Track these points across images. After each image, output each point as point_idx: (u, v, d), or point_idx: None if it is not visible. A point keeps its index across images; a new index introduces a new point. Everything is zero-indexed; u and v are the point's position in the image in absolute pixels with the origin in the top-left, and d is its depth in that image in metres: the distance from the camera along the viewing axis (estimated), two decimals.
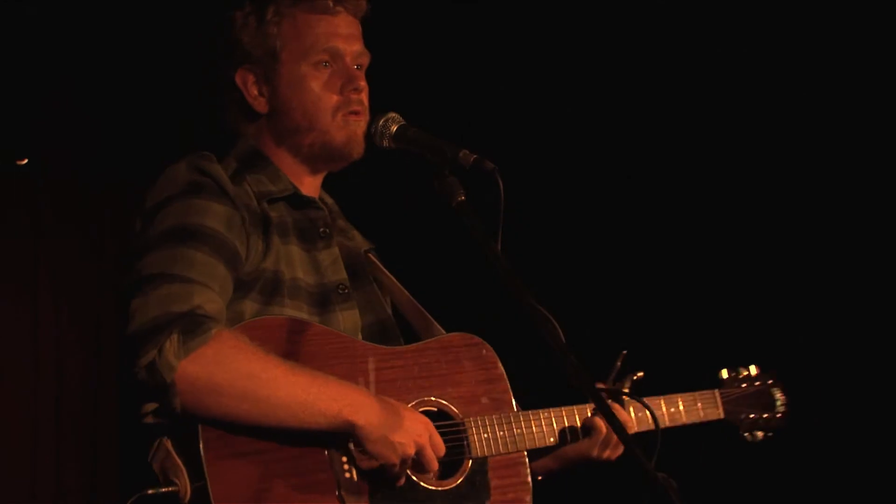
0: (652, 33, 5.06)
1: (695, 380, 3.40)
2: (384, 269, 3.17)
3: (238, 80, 3.01)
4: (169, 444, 2.63)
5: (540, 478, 3.13)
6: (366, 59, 3.07)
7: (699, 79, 5.02)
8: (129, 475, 2.77)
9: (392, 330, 3.07)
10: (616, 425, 2.64)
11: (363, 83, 3.01)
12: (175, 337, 2.57)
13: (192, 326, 2.59)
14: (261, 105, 3.01)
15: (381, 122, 2.89)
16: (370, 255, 3.16)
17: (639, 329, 4.92)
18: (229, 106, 3.06)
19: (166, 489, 2.61)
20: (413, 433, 2.73)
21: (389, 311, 3.12)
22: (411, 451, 2.72)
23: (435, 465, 2.78)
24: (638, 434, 3.13)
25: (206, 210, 2.78)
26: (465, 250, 2.73)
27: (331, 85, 2.98)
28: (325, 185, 3.15)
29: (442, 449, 2.79)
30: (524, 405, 3.05)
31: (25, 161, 4.49)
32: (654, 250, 5.09)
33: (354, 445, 2.72)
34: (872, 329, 4.74)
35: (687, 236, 5.01)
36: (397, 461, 2.72)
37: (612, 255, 5.13)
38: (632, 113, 5.11)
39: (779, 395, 3.47)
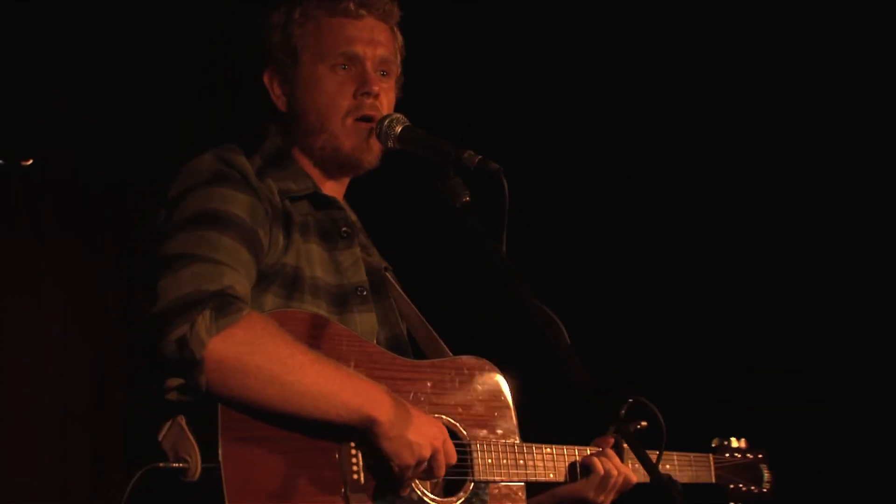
0: (652, 33, 5.06)
1: (685, 438, 3.40)
2: (399, 289, 3.17)
3: (266, 79, 3.04)
4: (183, 422, 2.60)
5: None
6: (392, 66, 3.05)
7: (699, 79, 5.02)
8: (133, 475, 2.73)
9: (405, 347, 3.07)
10: (623, 430, 2.65)
11: (377, 88, 2.98)
12: (207, 314, 2.55)
13: (225, 305, 2.58)
14: (282, 104, 3.03)
15: (385, 123, 2.90)
16: (387, 273, 3.16)
17: (643, 334, 4.95)
18: (256, 105, 3.07)
19: (177, 465, 2.59)
20: (430, 436, 2.73)
21: (403, 328, 3.11)
22: (427, 452, 2.72)
23: (443, 472, 2.78)
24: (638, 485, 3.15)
25: (230, 198, 2.78)
26: (470, 253, 2.74)
27: (345, 88, 2.98)
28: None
29: (454, 457, 2.79)
30: (529, 438, 3.06)
31: (30, 162, 4.48)
32: (661, 249, 5.11)
33: (369, 444, 2.71)
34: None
35: (702, 240, 5.04)
36: (412, 462, 2.71)
37: (618, 256, 5.15)
38: (635, 112, 5.11)
39: (766, 472, 3.60)
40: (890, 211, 4.81)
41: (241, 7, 5.09)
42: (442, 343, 3.11)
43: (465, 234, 2.65)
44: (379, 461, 2.73)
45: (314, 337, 2.75)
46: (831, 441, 4.73)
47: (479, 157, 2.71)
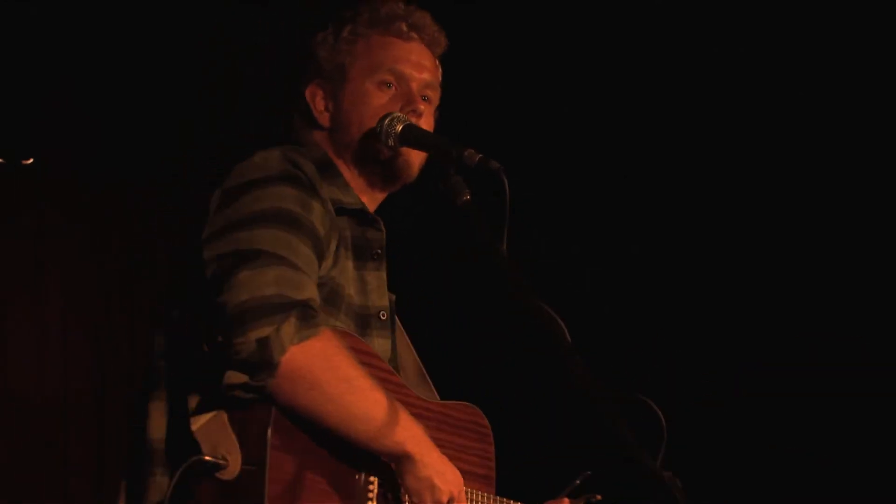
0: (650, 29, 5.06)
1: None
2: (397, 320, 3.13)
3: (308, 94, 3.01)
4: (225, 418, 2.59)
5: None
6: (434, 94, 3.04)
7: (699, 80, 5.01)
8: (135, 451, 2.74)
9: (423, 374, 3.10)
10: (621, 433, 2.64)
11: (422, 107, 2.97)
12: (293, 321, 2.55)
13: (307, 317, 2.58)
14: (325, 120, 3.00)
15: (386, 122, 2.89)
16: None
17: (646, 335, 4.93)
18: (294, 118, 3.05)
19: (217, 460, 2.58)
20: (453, 484, 2.76)
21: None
22: (445, 499, 2.74)
23: None
24: None
25: (305, 203, 2.75)
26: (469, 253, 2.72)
27: (391, 105, 2.95)
28: None
29: None
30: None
31: (31, 161, 4.49)
32: (665, 250, 5.08)
33: (392, 475, 2.73)
34: None
35: (708, 238, 5.00)
36: None
37: (621, 255, 5.13)
38: (636, 109, 5.10)
39: None
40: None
41: (241, 7, 5.13)
42: (430, 381, 3.11)
43: (465, 233, 2.63)
44: (395, 494, 2.75)
45: (364, 363, 2.72)
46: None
47: (480, 155, 2.70)
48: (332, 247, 2.82)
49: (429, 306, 3.24)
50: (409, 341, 3.15)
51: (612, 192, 5.17)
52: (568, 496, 3.18)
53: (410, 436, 2.70)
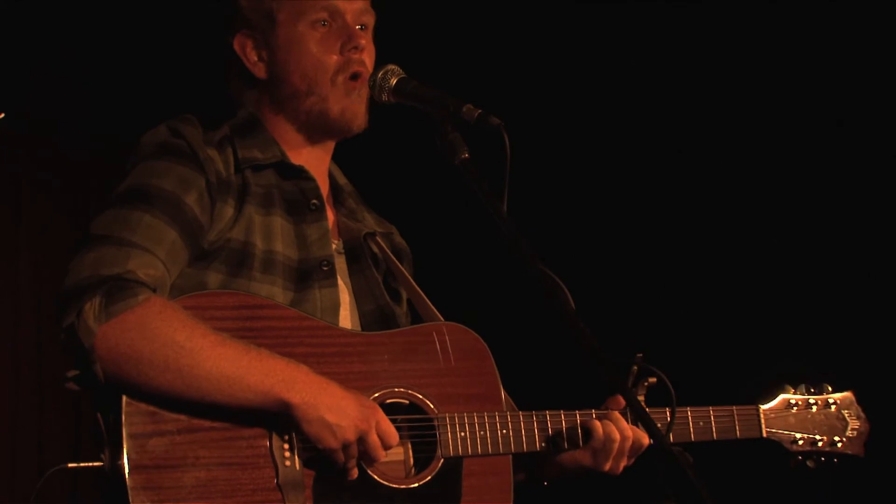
0: (647, 16, 5.00)
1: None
2: (390, 255, 3.02)
3: (236, 46, 2.90)
4: (99, 416, 2.52)
5: (546, 483, 2.98)
6: (370, 19, 2.92)
7: (696, 67, 4.95)
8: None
9: (392, 318, 2.95)
10: (630, 398, 2.56)
11: (364, 41, 2.86)
12: (97, 300, 2.48)
13: (118, 290, 2.49)
14: (260, 71, 2.89)
15: (380, 75, 2.79)
16: (378, 238, 3.02)
17: (652, 300, 4.85)
18: (230, 73, 2.94)
19: (87, 465, 2.53)
20: (354, 417, 2.58)
21: (389, 298, 2.97)
22: (352, 435, 2.58)
23: (381, 455, 2.63)
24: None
25: (166, 172, 2.69)
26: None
27: (329, 45, 2.85)
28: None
29: (394, 438, 2.64)
30: (526, 406, 2.88)
31: (3, 115, 4.40)
32: (674, 209, 5.01)
33: (293, 429, 2.58)
34: None
35: (717, 197, 4.93)
36: (337, 446, 2.58)
37: (625, 216, 5.05)
38: (632, 100, 5.02)
39: (851, 418, 3.18)
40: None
41: None
42: (434, 309, 2.95)
43: (464, 192, 2.53)
44: (302, 447, 2.60)
45: (241, 318, 2.63)
46: None
47: (480, 110, 2.61)
48: (226, 207, 2.74)
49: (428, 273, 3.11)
50: (405, 275, 3.01)
51: (619, 148, 5.06)
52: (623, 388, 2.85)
53: (280, 380, 2.54)
